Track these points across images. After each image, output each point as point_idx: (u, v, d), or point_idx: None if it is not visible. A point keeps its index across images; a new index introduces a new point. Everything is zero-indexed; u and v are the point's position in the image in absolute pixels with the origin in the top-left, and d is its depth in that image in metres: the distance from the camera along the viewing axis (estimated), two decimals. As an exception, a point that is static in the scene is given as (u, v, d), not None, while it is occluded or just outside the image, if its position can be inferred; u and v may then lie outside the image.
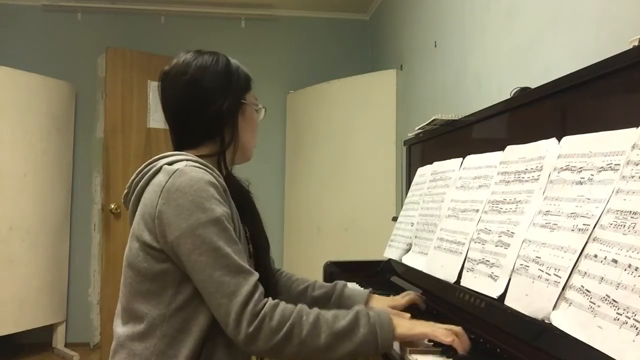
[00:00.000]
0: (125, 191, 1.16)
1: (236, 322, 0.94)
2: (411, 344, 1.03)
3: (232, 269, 0.97)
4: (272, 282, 1.28)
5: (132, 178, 1.14)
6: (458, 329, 1.01)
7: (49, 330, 3.76)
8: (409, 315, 1.17)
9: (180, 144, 1.18)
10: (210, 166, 1.10)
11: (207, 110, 1.14)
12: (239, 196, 1.19)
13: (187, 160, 1.09)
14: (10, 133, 3.43)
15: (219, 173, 1.11)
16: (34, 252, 3.56)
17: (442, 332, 0.99)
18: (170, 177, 1.03)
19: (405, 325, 1.03)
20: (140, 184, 1.11)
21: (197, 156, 1.13)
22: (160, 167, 1.08)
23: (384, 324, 0.99)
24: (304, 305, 1.01)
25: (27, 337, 3.67)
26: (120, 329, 1.10)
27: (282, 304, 0.99)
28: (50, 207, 3.70)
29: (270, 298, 1.00)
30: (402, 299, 1.34)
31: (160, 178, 1.05)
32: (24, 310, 3.48)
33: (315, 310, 1.00)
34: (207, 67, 1.15)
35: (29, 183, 3.54)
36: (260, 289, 0.99)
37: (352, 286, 1.60)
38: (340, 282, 1.39)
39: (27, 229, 3.52)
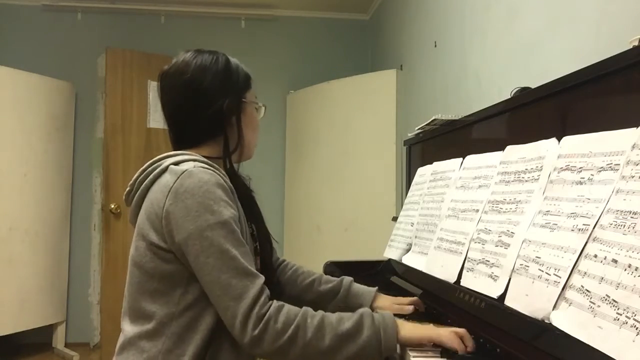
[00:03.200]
0: (128, 189, 1.16)
1: (242, 325, 0.94)
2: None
3: (239, 272, 0.97)
4: (275, 280, 1.28)
5: (136, 176, 1.14)
6: (462, 332, 1.01)
7: (49, 330, 3.77)
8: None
9: (179, 143, 1.18)
10: (217, 167, 1.10)
11: (207, 109, 1.14)
12: (244, 195, 1.19)
13: (194, 160, 1.08)
14: (10, 133, 3.43)
15: (225, 174, 1.11)
16: (34, 252, 3.57)
17: (447, 337, 1.00)
18: (178, 177, 1.03)
19: (409, 329, 1.03)
20: (145, 182, 1.10)
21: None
22: (167, 167, 1.08)
23: (387, 326, 1.00)
24: (308, 308, 1.01)
25: (27, 337, 3.67)
26: (128, 327, 1.10)
27: (287, 307, 0.99)
28: (50, 207, 3.71)
29: (275, 300, 0.99)
30: (405, 299, 1.34)
31: (167, 178, 1.05)
32: (24, 310, 3.48)
33: (320, 312, 1.00)
34: (207, 66, 1.15)
35: (29, 183, 3.54)
36: (266, 291, 0.99)
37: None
38: (347, 278, 1.39)
39: (27, 229, 3.52)
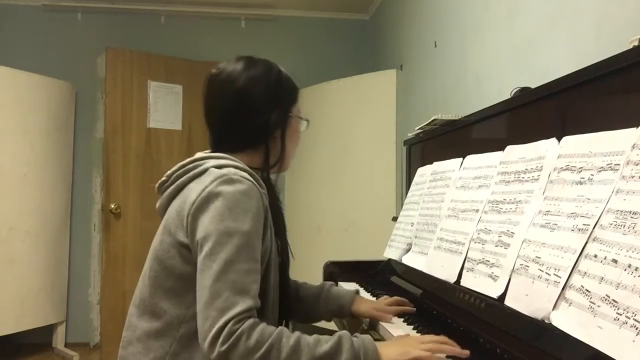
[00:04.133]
0: (163, 179, 1.15)
1: (214, 338, 0.89)
2: None
3: (235, 286, 0.93)
4: (292, 295, 1.27)
5: (175, 169, 1.13)
6: (439, 345, 0.98)
7: (49, 330, 3.76)
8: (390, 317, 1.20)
9: (219, 147, 1.17)
10: (258, 177, 1.09)
11: (253, 120, 1.13)
12: (275, 208, 1.17)
13: (235, 167, 1.07)
14: (10, 133, 3.43)
15: (263, 185, 1.10)
16: (34, 252, 3.56)
17: (424, 355, 0.96)
18: (216, 179, 1.02)
19: (395, 351, 0.97)
20: (183, 179, 1.10)
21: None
22: (207, 169, 1.07)
23: (368, 350, 0.94)
24: (284, 328, 0.96)
25: (27, 337, 3.67)
26: (136, 319, 1.09)
27: (263, 325, 0.93)
28: (50, 207, 3.70)
29: (253, 318, 0.94)
30: (387, 306, 1.32)
31: (205, 179, 1.04)
32: (24, 310, 3.48)
33: (297, 333, 0.95)
34: (259, 78, 1.14)
35: (29, 183, 3.54)
36: (251, 314, 0.94)
37: (352, 287, 1.61)
38: (328, 282, 1.41)
39: (27, 229, 3.52)
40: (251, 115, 1.13)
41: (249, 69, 1.14)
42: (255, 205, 1.01)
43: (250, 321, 0.92)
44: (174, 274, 1.05)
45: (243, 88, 1.12)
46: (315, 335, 0.97)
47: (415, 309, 1.35)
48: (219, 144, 1.17)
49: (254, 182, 1.05)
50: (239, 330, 0.89)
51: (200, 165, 1.09)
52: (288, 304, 1.24)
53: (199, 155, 1.14)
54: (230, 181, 1.01)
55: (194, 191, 1.03)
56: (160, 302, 1.05)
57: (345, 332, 0.97)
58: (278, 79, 1.18)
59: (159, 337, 1.04)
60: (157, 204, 1.16)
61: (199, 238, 0.98)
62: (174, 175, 1.13)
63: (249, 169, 1.09)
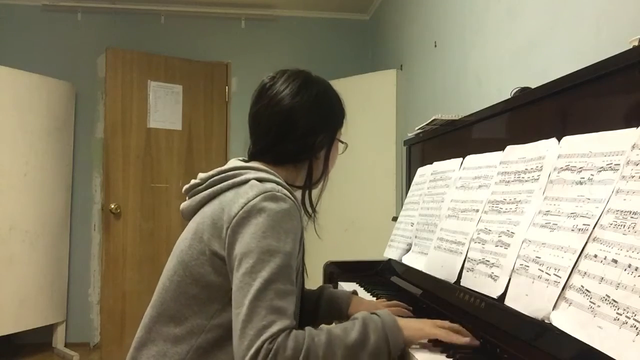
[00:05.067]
0: (197, 182, 1.13)
1: (252, 358, 0.89)
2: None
3: (274, 306, 0.93)
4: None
5: (211, 174, 1.11)
6: (457, 328, 1.03)
7: (49, 330, 3.77)
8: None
9: (258, 156, 1.16)
10: (295, 196, 1.08)
11: (300, 140, 1.13)
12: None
13: (277, 183, 1.06)
14: (10, 133, 3.43)
15: (300, 205, 1.10)
16: (34, 252, 3.57)
17: (442, 335, 1.01)
18: (260, 194, 1.00)
19: (413, 327, 1.02)
20: (220, 185, 1.08)
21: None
22: (248, 180, 1.05)
23: (392, 326, 0.98)
24: (310, 327, 0.97)
25: (27, 337, 3.67)
26: (153, 321, 1.07)
27: (294, 332, 0.93)
28: (50, 207, 3.71)
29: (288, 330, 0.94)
30: (383, 308, 1.32)
31: (248, 192, 1.01)
32: (24, 310, 3.48)
33: (324, 327, 0.96)
34: (311, 103, 1.14)
35: (29, 183, 3.54)
36: (287, 332, 0.93)
37: (352, 287, 1.61)
38: (325, 286, 1.41)
39: (27, 229, 3.52)
40: (299, 135, 1.13)
41: (303, 91, 1.14)
42: (296, 226, 1.02)
43: (283, 334, 0.91)
44: (199, 282, 1.03)
45: (294, 109, 1.12)
46: (340, 325, 0.98)
47: (411, 308, 1.35)
48: (259, 154, 1.16)
49: (295, 201, 1.05)
50: (275, 346, 0.89)
51: (240, 174, 1.08)
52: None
53: (237, 163, 1.13)
54: (274, 198, 1.00)
55: (234, 203, 1.01)
56: (182, 308, 1.04)
57: (366, 314, 1.00)
58: (330, 104, 1.18)
59: (176, 343, 1.03)
60: (183, 206, 1.15)
61: (238, 253, 0.97)
62: (211, 180, 1.11)
63: (287, 186, 1.08)
